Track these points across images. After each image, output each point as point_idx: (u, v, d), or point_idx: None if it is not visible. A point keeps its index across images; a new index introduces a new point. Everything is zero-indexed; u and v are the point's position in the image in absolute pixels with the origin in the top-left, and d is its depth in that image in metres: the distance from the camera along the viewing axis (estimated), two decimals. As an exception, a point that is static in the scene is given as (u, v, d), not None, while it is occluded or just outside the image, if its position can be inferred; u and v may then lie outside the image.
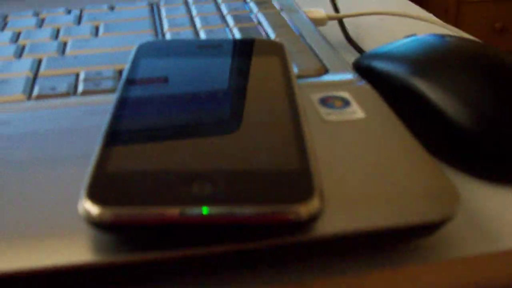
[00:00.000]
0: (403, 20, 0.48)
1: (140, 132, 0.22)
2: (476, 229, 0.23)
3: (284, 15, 0.39)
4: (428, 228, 0.20)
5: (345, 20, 0.48)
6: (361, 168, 0.22)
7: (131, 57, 0.28)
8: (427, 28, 0.45)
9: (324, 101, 0.27)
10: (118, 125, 0.22)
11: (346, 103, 0.27)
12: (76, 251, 0.18)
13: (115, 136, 0.21)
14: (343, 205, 0.20)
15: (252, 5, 0.42)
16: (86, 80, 0.30)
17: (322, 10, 0.44)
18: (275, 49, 0.29)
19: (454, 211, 0.20)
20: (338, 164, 0.22)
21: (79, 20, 0.39)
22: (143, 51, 0.29)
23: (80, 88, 0.29)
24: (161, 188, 0.18)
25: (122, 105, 0.24)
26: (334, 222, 0.19)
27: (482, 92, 0.28)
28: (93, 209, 0.18)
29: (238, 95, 0.25)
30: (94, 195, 0.18)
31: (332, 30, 0.45)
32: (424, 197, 0.21)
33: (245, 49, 0.29)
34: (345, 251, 0.21)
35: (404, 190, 0.21)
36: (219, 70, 0.27)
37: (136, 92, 0.25)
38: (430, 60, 0.30)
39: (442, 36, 0.33)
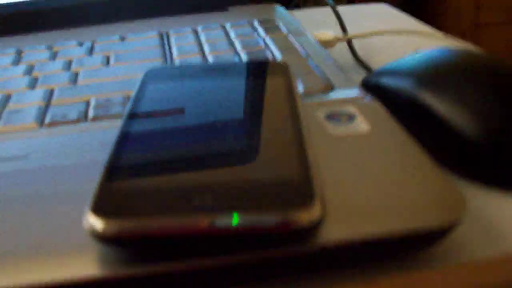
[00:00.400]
0: (412, 39, 0.48)
1: (146, 151, 0.22)
2: (486, 234, 0.23)
3: (291, 38, 0.40)
4: (436, 235, 0.20)
5: (355, 41, 0.48)
6: (367, 179, 0.22)
7: (138, 83, 0.29)
8: (437, 45, 0.46)
9: (330, 117, 0.27)
10: (124, 145, 0.23)
11: (351, 117, 0.27)
12: (85, 265, 0.19)
13: (121, 155, 0.22)
14: (350, 214, 0.20)
15: (260, 30, 0.42)
16: (96, 106, 0.31)
17: (330, 32, 0.44)
18: (280, 69, 0.30)
19: (460, 217, 0.20)
20: (344, 175, 0.22)
21: (90, 51, 0.40)
22: (151, 77, 0.29)
23: (91, 114, 0.30)
24: (166, 200, 0.19)
25: (128, 127, 0.24)
26: (340, 231, 0.19)
27: (489, 103, 0.27)
28: (97, 223, 0.18)
29: (243, 114, 0.25)
30: (98, 209, 0.18)
31: (342, 51, 0.45)
32: (431, 204, 0.21)
33: (250, 71, 0.30)
34: (354, 259, 0.21)
35: (411, 199, 0.21)
36: (224, 91, 0.27)
37: (142, 115, 0.25)
38: (436, 73, 0.30)
39: (448, 49, 0.33)
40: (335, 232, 0.19)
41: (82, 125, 0.29)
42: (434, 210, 0.20)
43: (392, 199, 0.21)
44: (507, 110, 0.27)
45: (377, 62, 0.43)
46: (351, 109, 0.28)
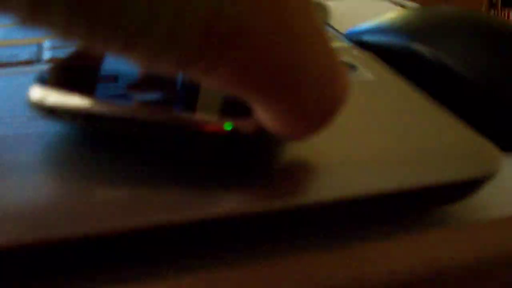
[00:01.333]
0: (376, 4, 0.46)
1: None
2: (501, 195, 0.20)
3: None
4: (470, 186, 0.18)
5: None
6: (387, 129, 0.20)
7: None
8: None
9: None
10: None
11: (352, 67, 0.24)
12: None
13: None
14: (372, 166, 0.17)
15: None
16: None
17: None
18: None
19: (496, 167, 0.18)
20: (358, 124, 0.20)
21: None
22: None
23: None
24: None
25: None
26: (364, 183, 0.17)
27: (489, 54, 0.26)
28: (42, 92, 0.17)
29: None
30: (45, 80, 0.17)
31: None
32: (462, 154, 0.18)
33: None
34: (379, 213, 0.18)
35: (441, 148, 0.19)
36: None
37: None
38: (429, 27, 0.28)
39: (434, 7, 0.31)
40: (359, 184, 0.17)
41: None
42: (466, 160, 0.18)
43: (418, 150, 0.18)
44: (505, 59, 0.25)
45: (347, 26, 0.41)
46: (350, 59, 0.25)
